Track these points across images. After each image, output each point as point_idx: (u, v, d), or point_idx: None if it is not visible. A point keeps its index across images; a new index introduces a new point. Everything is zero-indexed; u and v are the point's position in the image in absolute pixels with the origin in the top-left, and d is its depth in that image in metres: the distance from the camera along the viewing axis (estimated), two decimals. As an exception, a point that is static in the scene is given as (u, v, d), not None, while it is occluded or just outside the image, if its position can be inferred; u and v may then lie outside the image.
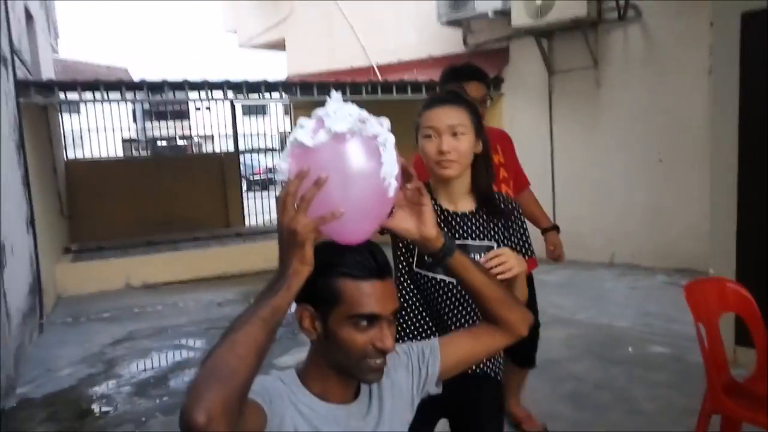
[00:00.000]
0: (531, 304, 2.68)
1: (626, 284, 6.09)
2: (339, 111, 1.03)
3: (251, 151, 13.75)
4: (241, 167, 11.41)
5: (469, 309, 1.62)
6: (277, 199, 1.01)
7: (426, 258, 1.34)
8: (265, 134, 11.59)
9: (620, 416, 3.24)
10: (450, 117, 1.60)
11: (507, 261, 1.47)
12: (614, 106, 6.80)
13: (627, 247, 6.84)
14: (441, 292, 1.60)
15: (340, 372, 1.14)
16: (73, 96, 6.65)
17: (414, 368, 1.27)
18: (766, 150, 3.52)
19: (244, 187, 11.57)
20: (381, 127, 1.07)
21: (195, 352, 4.89)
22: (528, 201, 3.01)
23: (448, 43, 8.24)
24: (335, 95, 1.05)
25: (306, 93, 7.31)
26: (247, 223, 10.80)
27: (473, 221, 1.68)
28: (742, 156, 3.62)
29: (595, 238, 6.99)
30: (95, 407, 3.83)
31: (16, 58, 5.58)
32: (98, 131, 10.07)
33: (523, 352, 2.79)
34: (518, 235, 1.72)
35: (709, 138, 3.90)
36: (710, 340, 2.44)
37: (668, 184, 6.40)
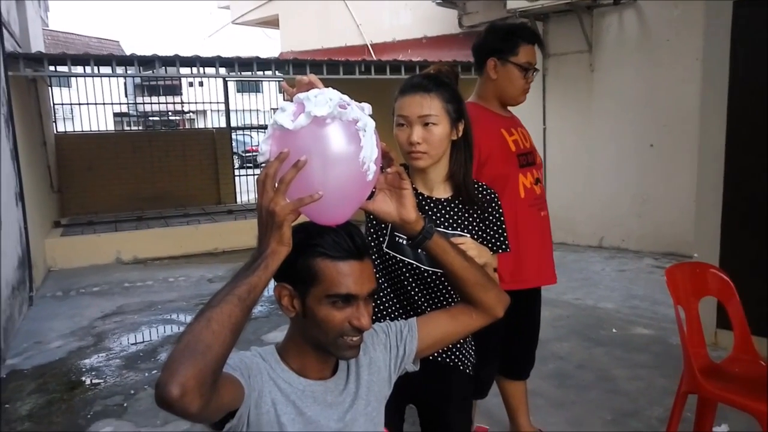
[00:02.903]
0: (534, 318, 2.61)
1: (614, 267, 6.16)
2: (319, 96, 1.04)
3: (244, 127, 13.67)
4: (234, 144, 11.36)
5: (436, 291, 1.61)
6: (257, 180, 1.03)
7: (405, 241, 1.35)
8: (258, 111, 11.53)
9: (601, 395, 3.31)
10: (421, 107, 1.54)
11: (467, 250, 1.43)
12: (607, 90, 6.81)
13: (616, 230, 6.90)
14: (408, 274, 1.58)
15: (317, 349, 1.17)
16: (62, 69, 6.59)
17: (392, 346, 1.31)
18: (752, 139, 3.55)
19: (236, 164, 11.52)
20: (362, 111, 1.08)
21: (184, 327, 4.91)
22: None
23: (443, 23, 8.19)
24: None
25: (298, 71, 7.26)
26: (238, 199, 10.79)
27: (447, 209, 1.64)
28: (729, 143, 3.65)
29: (585, 221, 7.05)
30: (84, 379, 3.87)
31: (4, 30, 5.51)
32: (89, 105, 9.98)
33: (514, 364, 2.55)
34: (494, 227, 1.68)
35: (698, 125, 3.93)
36: (689, 323, 2.49)
37: (658, 170, 6.44)
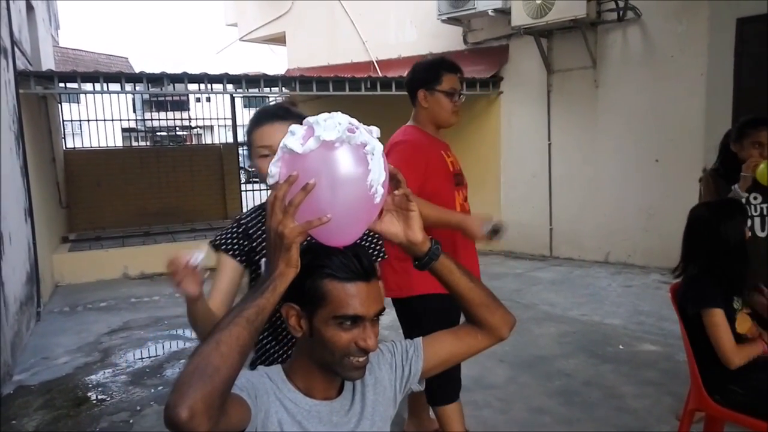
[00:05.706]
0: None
1: (620, 282, 6.14)
2: (329, 120, 1.06)
3: (250, 143, 13.74)
4: (240, 159, 11.43)
5: None
6: (266, 203, 1.04)
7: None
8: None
9: (608, 413, 3.29)
10: (283, 133, 1.59)
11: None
12: (612, 106, 6.83)
13: (622, 245, 6.88)
14: None
15: (324, 369, 1.18)
16: (72, 86, 6.67)
17: (397, 366, 1.31)
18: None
19: (243, 179, 11.58)
20: (370, 135, 1.10)
21: (190, 342, 4.93)
22: None
23: (448, 40, 8.25)
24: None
25: (305, 87, 7.32)
26: (245, 215, 10.80)
27: None
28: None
29: (591, 236, 7.04)
30: (91, 395, 3.87)
31: (16, 49, 5.59)
32: (98, 121, 10.08)
33: (443, 385, 2.48)
34: (372, 235, 1.69)
35: (703, 140, 3.94)
36: (695, 341, 2.48)
37: (664, 185, 6.44)
